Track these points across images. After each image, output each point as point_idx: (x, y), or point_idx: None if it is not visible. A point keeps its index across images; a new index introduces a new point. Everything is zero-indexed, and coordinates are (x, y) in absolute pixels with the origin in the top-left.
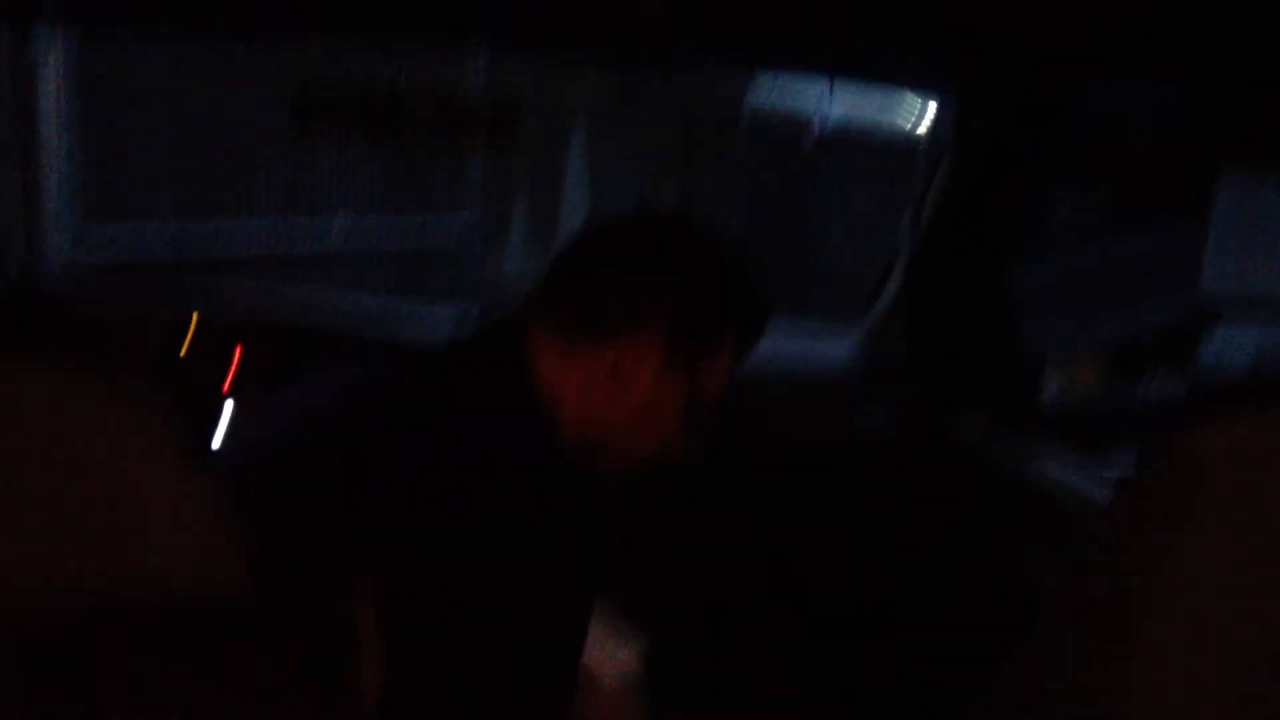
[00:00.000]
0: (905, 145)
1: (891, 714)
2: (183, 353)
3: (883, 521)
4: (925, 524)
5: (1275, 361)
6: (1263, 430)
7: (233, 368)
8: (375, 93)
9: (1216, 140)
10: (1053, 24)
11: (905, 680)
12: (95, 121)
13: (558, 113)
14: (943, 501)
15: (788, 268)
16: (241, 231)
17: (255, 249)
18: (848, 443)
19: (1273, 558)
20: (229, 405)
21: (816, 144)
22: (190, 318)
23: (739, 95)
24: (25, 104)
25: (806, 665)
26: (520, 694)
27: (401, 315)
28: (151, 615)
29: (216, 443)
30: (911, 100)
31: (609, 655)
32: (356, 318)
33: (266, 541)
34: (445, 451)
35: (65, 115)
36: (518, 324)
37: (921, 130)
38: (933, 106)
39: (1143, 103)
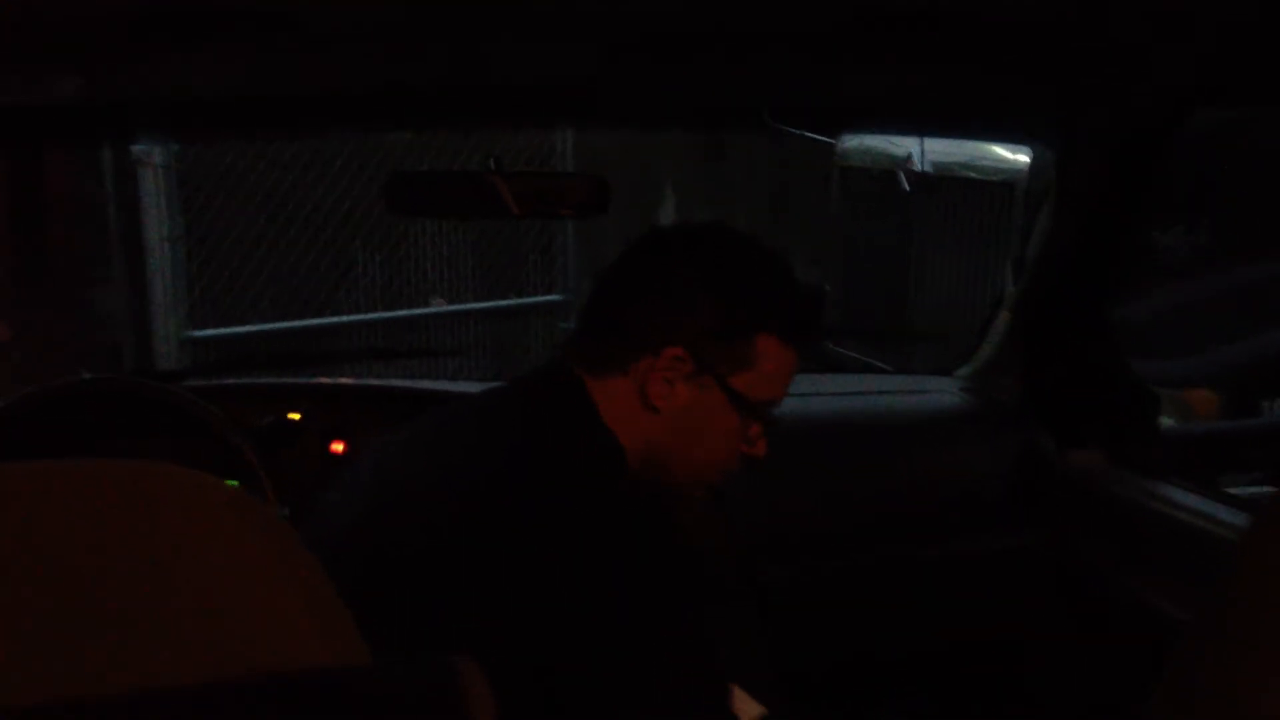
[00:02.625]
0: (1004, 186)
1: None
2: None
3: (1005, 560)
4: (1050, 561)
5: None
6: None
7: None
8: (466, 177)
9: None
10: (1149, 63)
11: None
12: (197, 228)
13: (647, 184)
14: (1067, 537)
15: (888, 313)
16: (341, 327)
17: (355, 342)
18: (964, 485)
19: None
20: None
21: (914, 185)
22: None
23: (830, 145)
24: (130, 213)
25: (930, 704)
26: None
27: None
28: (277, 693)
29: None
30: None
31: None
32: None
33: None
34: (545, 505)
35: (168, 224)
36: (564, 365)
37: (1021, 170)
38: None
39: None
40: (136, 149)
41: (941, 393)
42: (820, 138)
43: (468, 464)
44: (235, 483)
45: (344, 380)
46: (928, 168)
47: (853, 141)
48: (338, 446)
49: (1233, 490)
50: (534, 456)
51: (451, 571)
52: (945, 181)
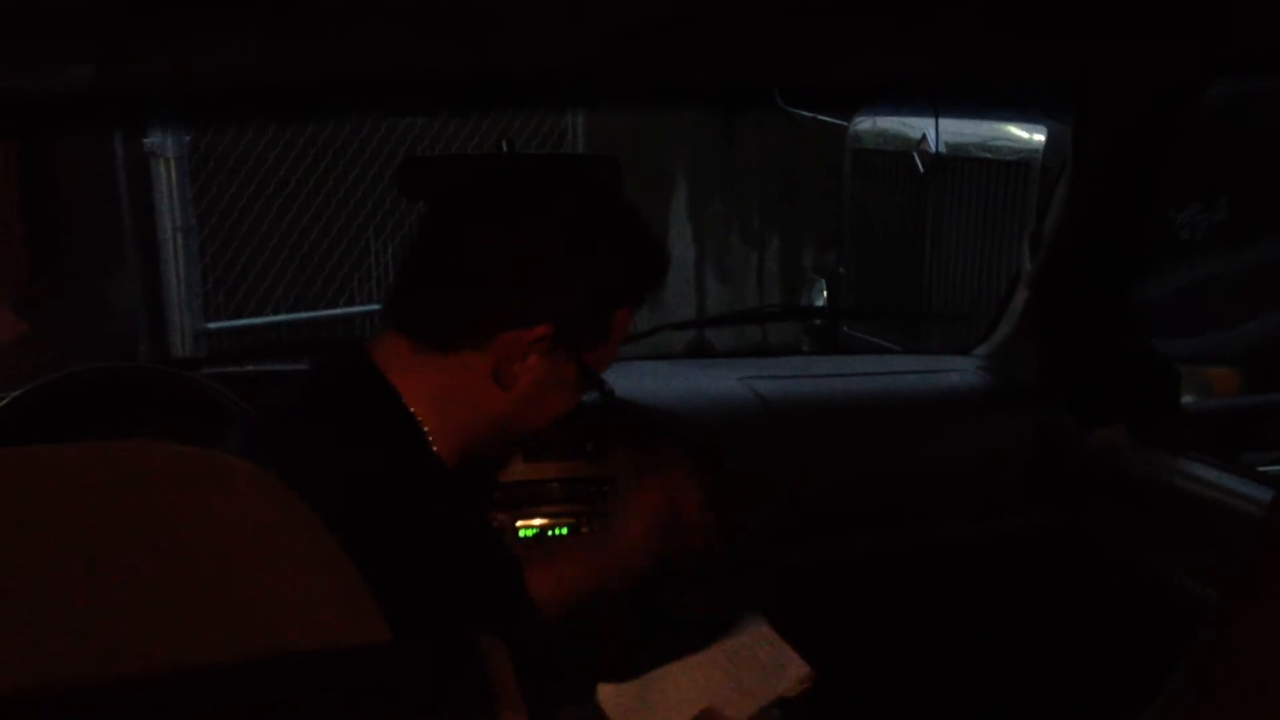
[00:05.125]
0: (1019, 166)
1: None
2: None
3: (1026, 539)
4: (1072, 539)
5: None
6: None
7: None
8: (480, 161)
9: None
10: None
11: (1059, 696)
12: (210, 220)
13: (658, 168)
14: (1088, 515)
15: (902, 295)
16: (355, 317)
17: (369, 331)
18: (983, 464)
19: None
20: None
21: (928, 166)
22: None
23: (843, 128)
24: (142, 205)
25: (951, 686)
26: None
27: None
28: (298, 670)
29: None
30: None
31: (768, 676)
32: None
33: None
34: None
35: (182, 215)
36: (360, 345)
37: (1036, 150)
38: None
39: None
40: (148, 141)
41: (959, 372)
42: (832, 120)
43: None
44: None
45: None
46: (942, 149)
47: (865, 123)
48: None
49: (1256, 467)
50: (331, 477)
51: None
52: (959, 162)
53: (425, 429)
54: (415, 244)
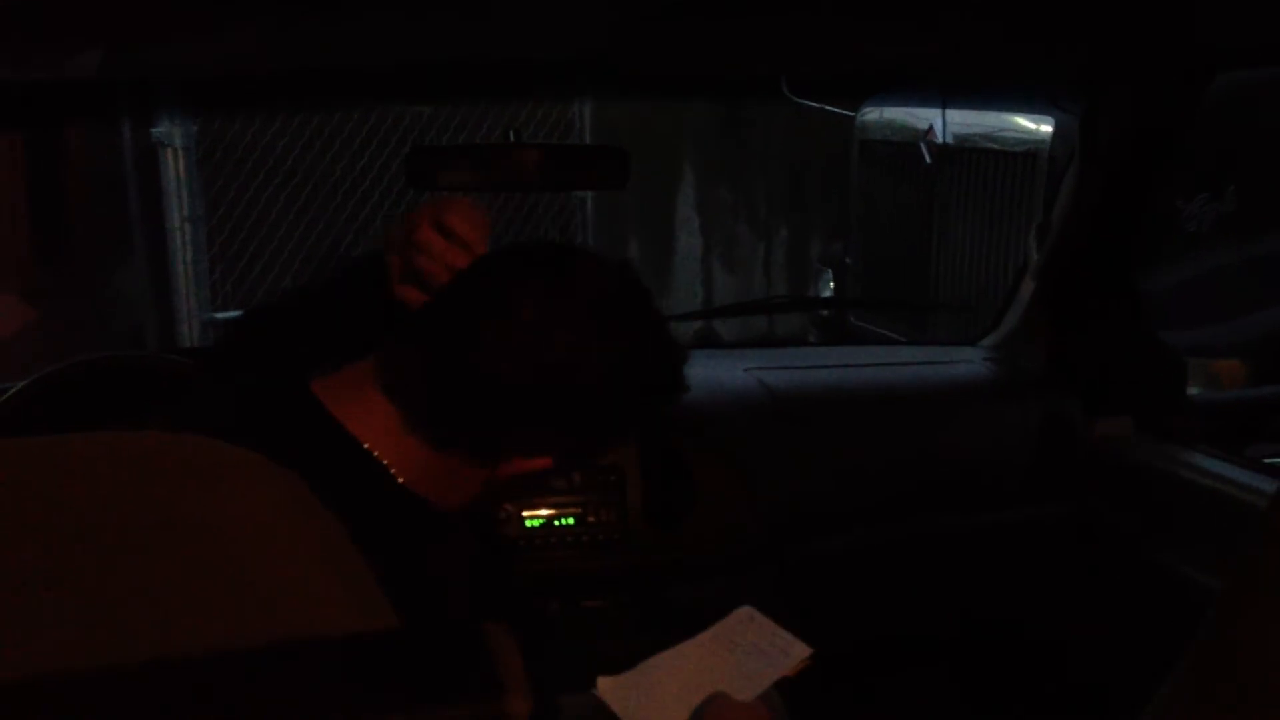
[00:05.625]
0: (1026, 156)
1: None
2: None
3: (1032, 530)
4: (1078, 529)
5: None
6: None
7: None
8: (487, 149)
9: None
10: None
11: (1065, 690)
12: (218, 209)
13: (665, 159)
14: (1094, 506)
15: (910, 286)
16: None
17: None
18: (990, 455)
19: None
20: None
21: (936, 157)
22: None
23: (850, 118)
24: (150, 194)
25: (957, 680)
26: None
27: None
28: (306, 659)
29: None
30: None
31: (768, 659)
32: None
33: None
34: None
35: (189, 204)
36: (299, 379)
37: (1043, 141)
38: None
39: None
40: (156, 130)
41: (966, 362)
42: (839, 110)
43: None
44: None
45: None
46: (949, 139)
47: (872, 114)
48: None
49: (1262, 459)
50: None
51: None
52: (967, 153)
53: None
54: (434, 321)
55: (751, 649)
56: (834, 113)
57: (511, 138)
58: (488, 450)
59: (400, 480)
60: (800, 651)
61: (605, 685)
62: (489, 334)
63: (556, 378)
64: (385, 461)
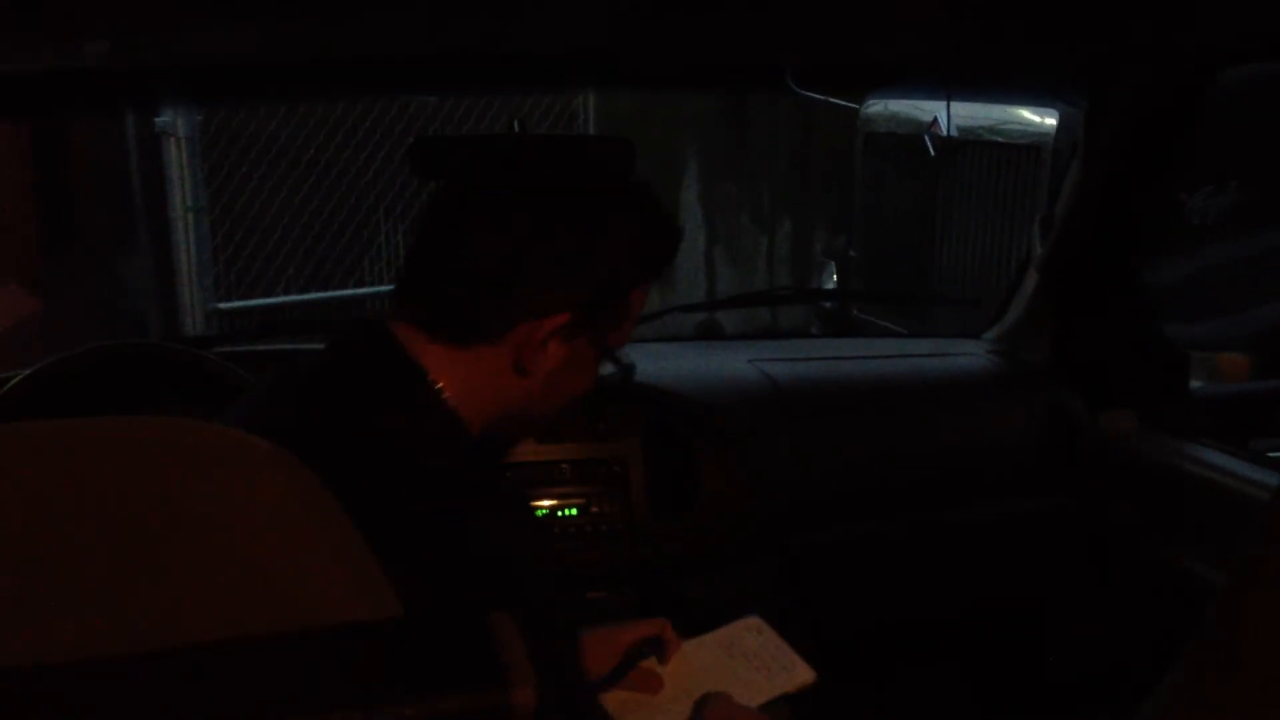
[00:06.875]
0: (1030, 149)
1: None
2: None
3: (1035, 523)
4: (1081, 522)
5: None
6: None
7: None
8: (484, 143)
9: None
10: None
11: (1068, 683)
12: (221, 199)
13: (669, 151)
14: (1097, 499)
15: (913, 278)
16: (366, 298)
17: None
18: (993, 448)
19: None
20: None
21: (940, 150)
22: None
23: (854, 111)
24: (154, 184)
25: (959, 673)
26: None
27: None
28: (312, 647)
29: None
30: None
31: (770, 675)
32: None
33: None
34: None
35: (193, 194)
36: (382, 324)
37: (1047, 133)
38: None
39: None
40: (160, 121)
41: (970, 355)
42: (844, 103)
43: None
44: None
45: None
46: (953, 132)
47: (877, 106)
48: None
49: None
50: (354, 446)
51: None
52: (971, 146)
53: (452, 406)
54: (420, 236)
55: (752, 659)
56: (838, 105)
57: (516, 128)
58: (497, 320)
59: (461, 414)
60: (803, 674)
61: None
62: (464, 216)
63: (525, 228)
64: (439, 385)
